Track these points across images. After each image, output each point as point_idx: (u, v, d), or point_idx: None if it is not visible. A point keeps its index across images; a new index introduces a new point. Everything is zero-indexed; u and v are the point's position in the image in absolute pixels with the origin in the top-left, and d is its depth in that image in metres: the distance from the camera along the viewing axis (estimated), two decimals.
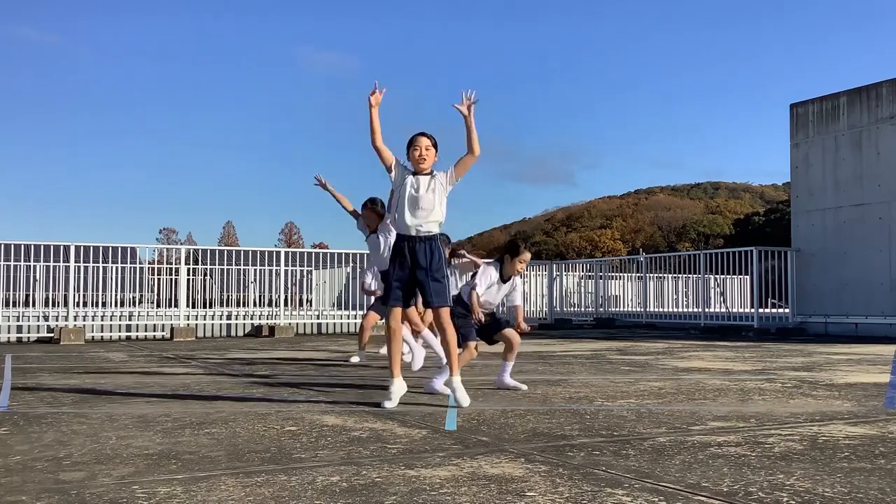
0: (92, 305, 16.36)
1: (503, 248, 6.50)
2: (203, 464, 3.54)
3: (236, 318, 16.61)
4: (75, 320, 14.86)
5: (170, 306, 17.08)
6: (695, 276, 19.79)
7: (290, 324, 16.31)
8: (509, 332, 6.40)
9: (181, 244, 52.24)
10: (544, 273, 21.76)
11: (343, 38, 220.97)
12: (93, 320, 15.55)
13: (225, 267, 20.65)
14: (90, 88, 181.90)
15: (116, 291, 17.05)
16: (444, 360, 6.03)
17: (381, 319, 8.59)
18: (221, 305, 19.85)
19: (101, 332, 15.43)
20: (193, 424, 4.62)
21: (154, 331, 15.48)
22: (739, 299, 22.92)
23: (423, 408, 5.24)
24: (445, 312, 5.38)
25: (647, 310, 20.04)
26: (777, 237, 45.49)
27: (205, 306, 18.16)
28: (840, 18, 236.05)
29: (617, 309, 21.69)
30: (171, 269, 19.73)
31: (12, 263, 15.89)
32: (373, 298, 8.97)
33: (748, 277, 19.93)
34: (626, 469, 3.41)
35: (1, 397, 6.03)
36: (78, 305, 15.61)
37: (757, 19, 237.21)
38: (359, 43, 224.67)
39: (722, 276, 20.99)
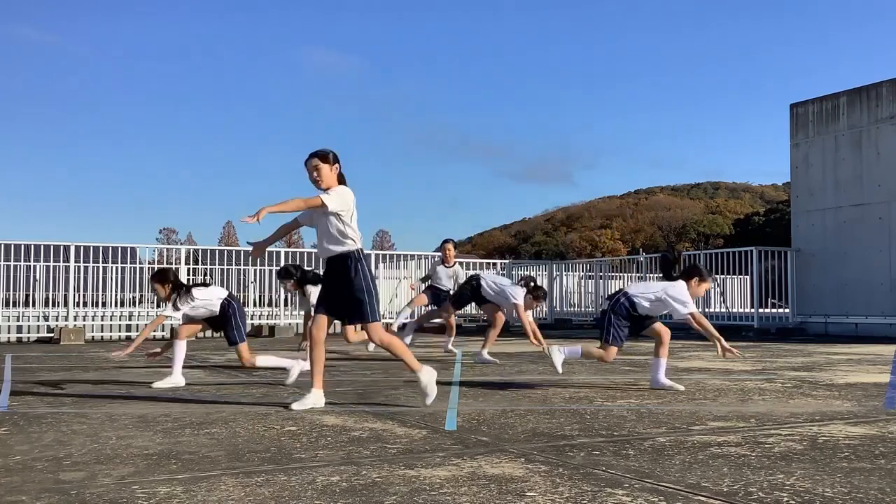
0: (92, 305, 16.35)
1: (685, 272, 6.39)
2: (203, 464, 3.54)
3: None
4: (75, 320, 14.86)
5: None
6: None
7: (290, 324, 16.31)
8: (658, 325, 6.42)
9: (181, 244, 52.23)
10: (544, 273, 21.77)
11: (343, 38, 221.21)
12: (93, 320, 15.56)
13: (225, 267, 20.63)
14: (90, 88, 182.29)
15: (116, 291, 17.02)
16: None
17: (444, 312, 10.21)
18: None
19: (101, 332, 15.44)
20: (193, 424, 4.62)
21: (154, 330, 15.46)
22: (739, 299, 22.90)
23: (423, 408, 5.24)
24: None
25: None
26: (777, 237, 45.45)
27: None
28: (840, 18, 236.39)
29: None
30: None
31: (12, 263, 15.88)
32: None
33: (748, 277, 19.90)
34: (626, 469, 3.41)
35: (1, 397, 6.04)
36: (78, 305, 15.62)
37: (757, 19, 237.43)
38: (358, 43, 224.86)
39: (722, 276, 20.99)
